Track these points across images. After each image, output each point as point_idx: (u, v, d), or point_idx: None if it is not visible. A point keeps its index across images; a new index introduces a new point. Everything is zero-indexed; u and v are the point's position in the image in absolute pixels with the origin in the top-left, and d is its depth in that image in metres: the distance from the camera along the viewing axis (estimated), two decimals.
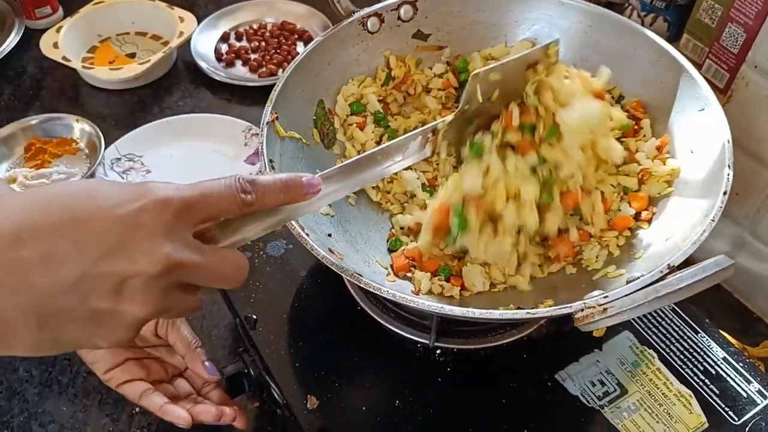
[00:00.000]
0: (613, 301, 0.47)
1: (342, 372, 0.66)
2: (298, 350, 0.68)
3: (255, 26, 1.20)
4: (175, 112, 1.06)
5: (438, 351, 0.66)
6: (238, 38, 1.18)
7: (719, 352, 0.68)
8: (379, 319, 0.68)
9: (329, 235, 0.63)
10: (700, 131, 0.64)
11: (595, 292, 0.52)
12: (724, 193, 0.57)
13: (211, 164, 0.99)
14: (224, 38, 1.18)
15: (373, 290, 0.54)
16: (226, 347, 0.81)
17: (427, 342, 0.66)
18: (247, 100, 1.09)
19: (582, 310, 0.50)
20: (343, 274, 0.54)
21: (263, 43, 1.16)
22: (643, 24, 0.82)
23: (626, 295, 0.47)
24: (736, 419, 0.63)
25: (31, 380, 0.78)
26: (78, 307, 0.38)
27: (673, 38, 0.83)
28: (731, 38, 0.74)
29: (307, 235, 0.56)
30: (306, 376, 0.66)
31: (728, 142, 0.60)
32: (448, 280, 0.66)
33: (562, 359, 0.67)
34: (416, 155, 0.60)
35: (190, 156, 1.00)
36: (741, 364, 0.67)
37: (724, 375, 0.66)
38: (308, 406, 0.63)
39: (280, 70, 1.11)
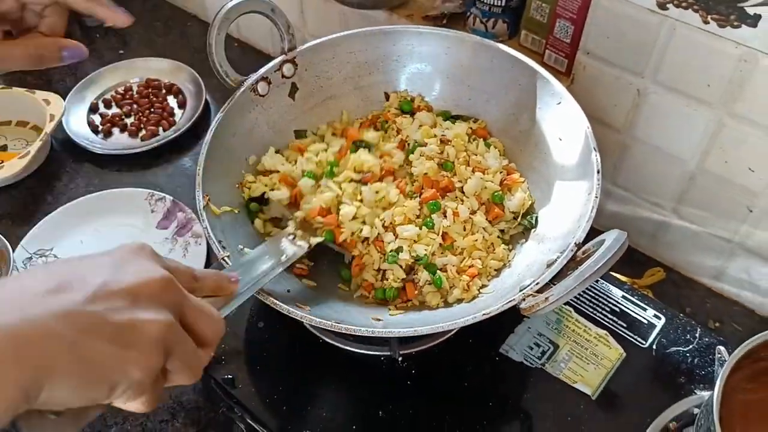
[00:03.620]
0: (551, 289, 0.59)
1: (325, 402, 0.75)
2: (280, 395, 0.75)
3: (121, 90, 1.21)
4: (70, 196, 1.07)
5: (400, 359, 0.76)
6: (107, 106, 1.19)
7: (618, 292, 0.83)
8: (342, 346, 0.77)
9: (288, 291, 0.71)
10: (562, 121, 0.77)
11: (527, 281, 0.64)
12: (598, 172, 0.70)
13: (126, 238, 1.01)
14: (93, 109, 1.19)
15: (349, 332, 0.62)
16: (202, 408, 0.87)
17: (389, 353, 0.76)
18: (138, 166, 1.11)
19: (524, 299, 0.61)
20: (323, 327, 0.63)
21: (135, 106, 1.18)
22: (485, 28, 0.94)
23: (560, 283, 0.59)
24: (644, 342, 0.78)
25: None
26: (100, 320, 0.39)
27: (512, 35, 0.96)
28: (562, 31, 0.88)
29: (275, 301, 0.64)
30: (295, 416, 0.74)
31: (588, 129, 0.73)
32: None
33: (501, 334, 0.79)
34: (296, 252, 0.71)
35: (101, 236, 1.02)
36: (635, 297, 0.82)
37: (626, 310, 0.81)
38: None
39: (161, 129, 1.14)
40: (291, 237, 0.74)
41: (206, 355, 0.47)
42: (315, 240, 0.74)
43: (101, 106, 1.20)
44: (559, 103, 0.78)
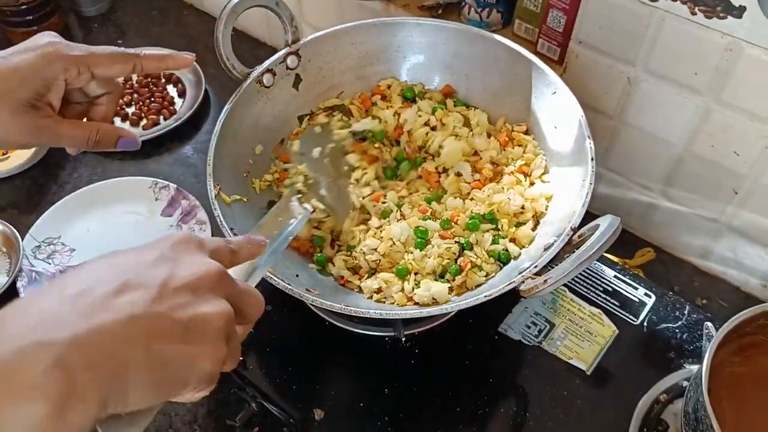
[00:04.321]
0: (549, 272, 0.62)
1: (333, 381, 0.78)
2: (289, 375, 0.79)
3: (121, 80, 1.23)
4: (74, 185, 1.09)
5: (404, 339, 0.80)
6: None
7: (610, 272, 0.86)
8: (348, 328, 0.80)
9: (297, 275, 0.74)
10: (557, 110, 0.81)
11: (526, 263, 0.68)
12: (592, 159, 0.73)
13: (131, 226, 1.03)
14: None
15: (359, 314, 0.66)
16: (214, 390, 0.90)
17: (393, 334, 0.79)
18: (140, 154, 1.13)
19: (524, 282, 0.65)
20: (332, 309, 0.66)
21: (135, 95, 1.20)
22: (480, 18, 0.97)
23: (558, 265, 0.63)
24: (636, 320, 0.82)
25: None
26: (169, 321, 0.40)
27: (506, 24, 0.99)
28: (555, 20, 0.91)
29: (288, 284, 0.67)
30: (304, 395, 0.77)
31: (582, 118, 0.77)
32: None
33: (499, 314, 0.83)
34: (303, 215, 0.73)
35: (107, 224, 1.04)
36: (627, 277, 0.86)
37: (618, 289, 0.85)
38: (316, 418, 0.75)
39: (161, 118, 1.17)
40: (299, 196, 0.77)
41: (246, 333, 0.49)
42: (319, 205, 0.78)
43: None
44: (554, 92, 0.81)
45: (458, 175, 0.83)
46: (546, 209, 0.78)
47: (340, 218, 0.80)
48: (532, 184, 0.81)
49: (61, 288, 0.39)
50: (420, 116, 0.86)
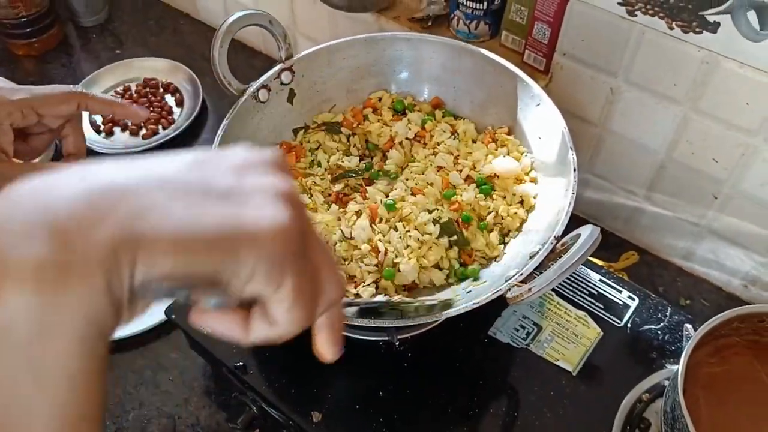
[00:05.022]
0: (533, 281, 0.66)
1: (330, 385, 0.82)
2: (288, 379, 0.82)
3: (120, 90, 1.26)
4: None
5: (397, 343, 0.83)
6: None
7: (595, 276, 0.90)
8: (344, 333, 0.83)
9: None
10: (541, 122, 0.84)
11: (512, 272, 0.71)
12: (574, 170, 0.77)
13: None
14: None
15: (353, 323, 0.69)
16: (213, 392, 0.94)
17: (387, 339, 0.82)
18: None
19: (510, 290, 0.68)
20: None
21: (134, 105, 1.23)
22: (468, 29, 1.00)
23: (541, 274, 0.66)
24: (620, 322, 0.86)
25: None
26: (207, 183, 0.32)
27: (494, 35, 1.02)
28: (540, 32, 0.94)
29: None
30: (303, 398, 0.81)
31: (565, 129, 0.80)
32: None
33: (489, 318, 0.86)
34: None
35: None
36: (611, 280, 0.89)
37: (603, 292, 0.88)
38: (314, 420, 0.79)
39: (160, 127, 1.20)
40: None
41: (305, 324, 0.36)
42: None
43: None
44: (539, 104, 0.84)
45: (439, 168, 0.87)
46: (533, 207, 0.82)
47: None
48: (521, 181, 0.84)
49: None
50: (410, 128, 0.89)
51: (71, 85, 0.74)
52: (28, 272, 0.27)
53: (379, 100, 0.93)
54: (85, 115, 1.22)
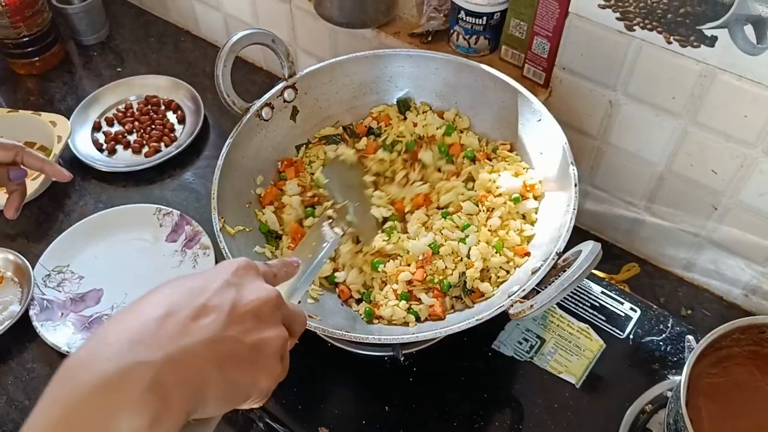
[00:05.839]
0: (535, 298, 0.67)
1: (337, 400, 0.82)
2: (294, 395, 0.83)
3: (122, 108, 1.27)
4: (81, 213, 1.13)
5: (402, 359, 0.84)
6: (110, 124, 1.25)
7: (597, 288, 0.91)
8: (350, 349, 0.84)
9: (299, 302, 0.78)
10: (542, 137, 0.85)
11: (515, 287, 0.72)
12: (575, 185, 0.78)
13: (137, 252, 1.07)
14: (97, 127, 1.24)
15: (359, 340, 0.70)
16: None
17: (392, 354, 0.83)
18: (143, 181, 1.17)
19: (512, 306, 0.69)
20: (334, 336, 0.70)
21: (136, 123, 1.24)
22: (468, 44, 1.01)
23: (543, 290, 0.67)
24: (622, 334, 0.86)
25: None
26: (238, 345, 0.45)
27: (493, 49, 1.03)
28: (540, 47, 0.95)
29: None
30: (310, 414, 0.81)
31: (566, 144, 0.81)
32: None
33: (492, 332, 0.87)
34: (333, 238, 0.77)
35: (114, 251, 1.08)
36: (613, 292, 0.90)
37: (605, 304, 0.89)
38: None
39: (162, 145, 1.21)
40: (330, 222, 0.82)
41: (293, 345, 0.54)
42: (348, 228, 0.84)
43: (104, 124, 1.25)
44: (539, 120, 0.85)
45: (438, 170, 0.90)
46: (534, 222, 0.83)
47: (368, 237, 0.85)
48: (524, 198, 0.85)
49: (146, 311, 0.45)
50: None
51: (14, 141, 0.82)
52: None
53: (380, 113, 0.95)
54: (87, 134, 1.23)
